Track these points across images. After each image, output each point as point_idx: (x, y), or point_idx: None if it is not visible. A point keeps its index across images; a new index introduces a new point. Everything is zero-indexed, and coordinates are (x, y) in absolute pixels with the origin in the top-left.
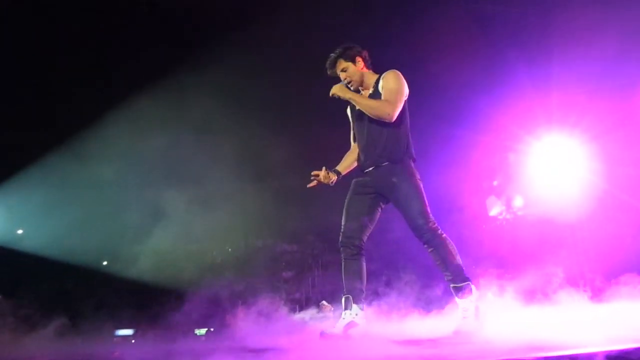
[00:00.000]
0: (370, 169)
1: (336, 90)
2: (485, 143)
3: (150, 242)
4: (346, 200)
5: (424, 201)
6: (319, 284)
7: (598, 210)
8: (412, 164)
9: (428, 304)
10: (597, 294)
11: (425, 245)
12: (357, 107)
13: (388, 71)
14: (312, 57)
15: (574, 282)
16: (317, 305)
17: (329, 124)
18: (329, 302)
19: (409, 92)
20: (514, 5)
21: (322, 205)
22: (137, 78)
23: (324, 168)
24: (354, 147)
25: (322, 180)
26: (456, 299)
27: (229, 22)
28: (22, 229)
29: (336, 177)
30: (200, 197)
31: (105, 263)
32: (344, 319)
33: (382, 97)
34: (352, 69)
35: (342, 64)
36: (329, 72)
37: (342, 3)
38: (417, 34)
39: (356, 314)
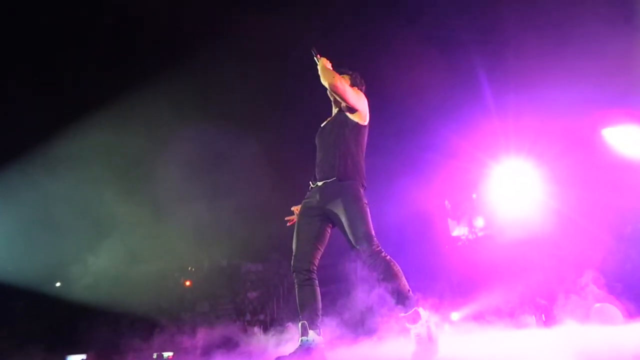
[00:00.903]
0: (320, 183)
1: (324, 60)
2: (449, 166)
3: (106, 263)
4: (296, 224)
5: (370, 225)
6: (284, 305)
7: (553, 229)
8: (361, 189)
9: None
10: (550, 316)
11: (370, 269)
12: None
13: None
14: (274, 71)
15: (530, 303)
16: (282, 327)
17: (293, 140)
18: (294, 324)
19: (370, 120)
20: (475, 34)
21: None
22: (88, 91)
23: (293, 208)
24: None
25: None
26: (406, 324)
27: (182, 35)
28: None
29: None
30: (160, 215)
31: (58, 284)
32: (300, 345)
33: None
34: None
35: (345, 76)
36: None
37: (309, 22)
38: (383, 59)
39: (313, 340)
